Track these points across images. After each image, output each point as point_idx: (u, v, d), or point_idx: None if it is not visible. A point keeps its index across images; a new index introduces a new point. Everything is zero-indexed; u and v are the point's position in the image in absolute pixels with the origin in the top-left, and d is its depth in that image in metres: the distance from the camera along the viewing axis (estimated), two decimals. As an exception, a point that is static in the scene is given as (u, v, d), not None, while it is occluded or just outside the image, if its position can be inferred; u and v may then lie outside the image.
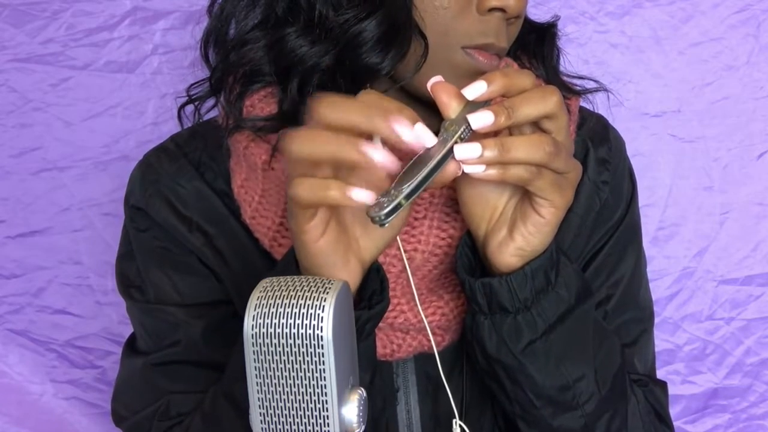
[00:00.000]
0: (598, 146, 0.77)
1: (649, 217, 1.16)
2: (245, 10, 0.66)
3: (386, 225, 0.50)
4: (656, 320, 0.83)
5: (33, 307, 1.20)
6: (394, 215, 0.50)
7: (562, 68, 0.77)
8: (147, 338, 0.76)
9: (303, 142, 0.51)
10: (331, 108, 0.52)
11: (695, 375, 1.21)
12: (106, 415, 1.20)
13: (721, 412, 1.21)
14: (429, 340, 0.70)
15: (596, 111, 0.80)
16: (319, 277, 0.48)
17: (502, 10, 0.62)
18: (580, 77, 0.77)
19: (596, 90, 0.77)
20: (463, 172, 0.54)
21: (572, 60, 0.78)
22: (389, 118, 0.51)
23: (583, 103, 0.78)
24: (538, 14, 0.78)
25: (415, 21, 0.62)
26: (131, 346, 0.79)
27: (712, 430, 1.22)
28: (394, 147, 0.52)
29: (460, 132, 0.53)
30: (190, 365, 0.74)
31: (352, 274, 0.58)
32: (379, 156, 0.50)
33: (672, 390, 0.83)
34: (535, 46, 0.75)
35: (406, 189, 0.50)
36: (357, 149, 0.50)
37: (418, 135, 0.52)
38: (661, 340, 1.17)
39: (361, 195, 0.50)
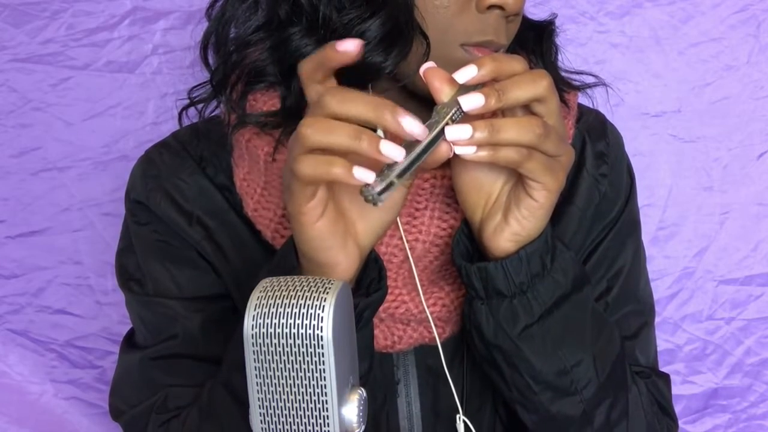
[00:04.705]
0: (595, 140, 0.78)
1: (649, 217, 1.16)
2: (247, 13, 0.67)
3: (379, 204, 0.51)
4: (656, 320, 0.83)
5: (33, 307, 1.20)
6: (386, 194, 0.51)
7: (560, 65, 0.77)
8: (145, 332, 0.77)
9: (321, 131, 0.52)
10: (340, 100, 0.52)
11: (695, 375, 1.21)
12: (106, 415, 1.20)
13: (721, 412, 1.21)
14: (430, 332, 0.70)
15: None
16: (319, 277, 0.48)
17: (500, 7, 0.62)
18: (579, 72, 0.77)
19: (595, 85, 0.77)
20: (455, 154, 0.54)
21: (572, 60, 0.78)
22: (395, 112, 0.51)
23: (583, 102, 0.79)
24: (539, 14, 0.78)
25: (417, 21, 0.62)
26: (129, 341, 0.79)
27: (712, 430, 1.22)
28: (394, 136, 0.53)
29: (451, 114, 0.54)
30: (188, 359, 0.74)
31: (350, 258, 0.59)
32: (392, 151, 0.51)
33: (672, 390, 0.82)
34: (534, 43, 0.75)
35: (398, 168, 0.51)
36: (375, 146, 0.51)
37: (408, 126, 0.52)
38: (661, 340, 1.16)
39: (364, 174, 0.51)
